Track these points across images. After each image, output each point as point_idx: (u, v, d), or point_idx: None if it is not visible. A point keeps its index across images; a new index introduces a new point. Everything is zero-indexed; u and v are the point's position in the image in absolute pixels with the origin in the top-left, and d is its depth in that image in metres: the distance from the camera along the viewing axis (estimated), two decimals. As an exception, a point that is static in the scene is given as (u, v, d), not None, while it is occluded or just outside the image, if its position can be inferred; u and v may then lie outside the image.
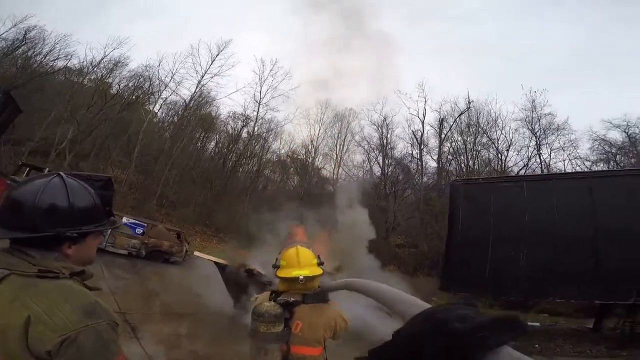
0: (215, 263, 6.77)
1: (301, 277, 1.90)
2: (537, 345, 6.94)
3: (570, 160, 20.91)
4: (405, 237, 21.27)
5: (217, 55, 26.07)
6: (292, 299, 1.90)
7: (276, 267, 2.07)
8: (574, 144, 20.86)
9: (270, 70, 27.13)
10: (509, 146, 22.11)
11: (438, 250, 16.62)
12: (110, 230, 9.62)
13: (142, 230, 10.25)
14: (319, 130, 28.52)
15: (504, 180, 10.73)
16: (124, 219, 10.13)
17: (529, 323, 8.75)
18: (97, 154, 23.37)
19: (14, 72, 21.58)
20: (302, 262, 1.99)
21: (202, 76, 25.76)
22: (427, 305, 0.75)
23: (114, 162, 23.40)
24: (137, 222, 10.43)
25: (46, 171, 13.10)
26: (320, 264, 2.07)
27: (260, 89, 27.01)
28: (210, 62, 25.93)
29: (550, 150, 21.15)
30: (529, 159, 21.58)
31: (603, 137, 20.03)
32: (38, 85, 22.36)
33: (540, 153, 21.37)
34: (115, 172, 22.83)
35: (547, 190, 8.28)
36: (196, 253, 6.01)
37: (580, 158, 20.64)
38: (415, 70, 49.52)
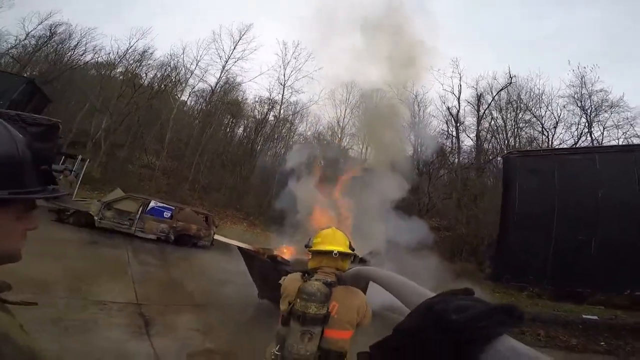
0: (238, 248, 6.36)
1: (335, 252, 1.94)
2: (602, 343, 6.05)
3: (626, 138, 18.78)
4: (440, 219, 20.26)
5: (240, 39, 25.97)
6: (329, 280, 1.87)
7: (308, 246, 2.10)
8: (630, 122, 18.78)
9: (293, 53, 26.54)
10: (557, 123, 20.24)
11: (477, 234, 15.63)
12: (139, 215, 9.66)
13: (170, 214, 10.15)
14: (345, 110, 27.71)
15: (571, 152, 9.28)
16: (152, 203, 10.05)
17: (585, 316, 7.78)
18: (132, 143, 24.16)
19: (46, 67, 22.46)
20: (337, 240, 2.04)
21: (226, 61, 25.70)
22: (430, 293, 0.75)
23: (148, 149, 24.06)
24: (165, 205, 10.32)
25: (79, 159, 13.59)
26: (352, 248, 2.10)
27: (284, 71, 26.65)
28: (233, 47, 25.82)
29: (604, 128, 19.33)
30: (579, 137, 19.68)
31: None
32: (69, 79, 23.34)
33: (592, 131, 19.46)
34: (150, 158, 23.66)
35: (625, 163, 6.99)
36: (217, 237, 5.61)
37: (639, 136, 18.49)
38: (449, 45, 46.15)
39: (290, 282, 1.96)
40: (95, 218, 9.12)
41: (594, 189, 6.96)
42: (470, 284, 9.42)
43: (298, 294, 1.79)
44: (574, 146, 18.84)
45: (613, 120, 19.17)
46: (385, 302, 3.94)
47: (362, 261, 6.16)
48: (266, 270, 5.48)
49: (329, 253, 1.96)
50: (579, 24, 35.77)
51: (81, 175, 13.11)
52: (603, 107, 19.47)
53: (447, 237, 16.81)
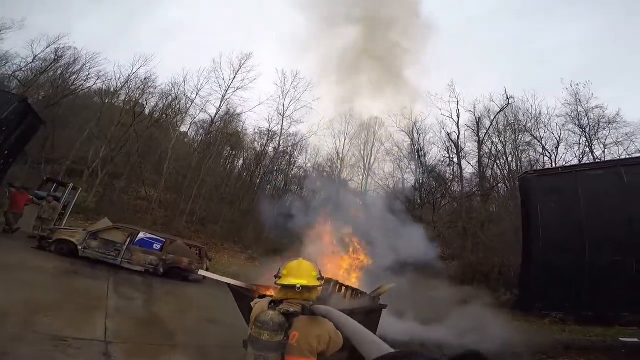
0: (228, 285, 5.64)
1: (298, 286, 1.98)
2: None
3: (628, 155, 18.41)
4: (446, 248, 19.40)
5: (239, 69, 26.41)
6: (292, 310, 1.90)
7: (278, 277, 2.12)
8: (630, 138, 18.58)
9: (292, 82, 27.06)
10: (558, 143, 19.98)
11: (486, 262, 14.78)
12: (126, 245, 9.03)
13: (160, 246, 9.52)
14: (344, 141, 27.75)
15: (594, 168, 8.70)
16: (141, 234, 9.46)
17: (624, 339, 7.02)
18: (130, 173, 23.88)
19: (50, 91, 22.62)
20: (301, 273, 2.07)
21: (226, 90, 26.01)
22: (386, 347, 0.84)
23: (146, 181, 23.73)
24: (154, 237, 9.72)
25: (70, 187, 13.14)
26: (319, 278, 2.13)
27: (283, 101, 26.95)
28: (233, 76, 26.24)
29: (604, 146, 19.06)
30: (582, 157, 19.34)
31: None
32: (72, 105, 23.46)
33: (593, 149, 19.15)
34: (147, 190, 23.25)
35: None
36: (201, 272, 4.89)
37: (641, 152, 18.13)
38: (442, 71, 47.40)
39: (257, 309, 2.02)
40: (79, 247, 8.50)
41: (624, 204, 6.39)
42: (486, 311, 8.63)
43: (254, 322, 1.86)
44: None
45: (612, 138, 18.96)
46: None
47: (373, 299, 5.57)
48: None
49: (292, 287, 1.99)
50: (569, 40, 36.81)
51: (72, 205, 12.57)
52: (601, 125, 19.31)
53: (455, 266, 15.91)
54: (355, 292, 5.20)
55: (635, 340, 6.98)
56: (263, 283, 6.57)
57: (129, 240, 9.15)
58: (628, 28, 35.37)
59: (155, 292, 7.43)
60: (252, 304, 2.15)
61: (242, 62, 26.53)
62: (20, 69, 22.21)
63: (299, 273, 2.08)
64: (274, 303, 2.00)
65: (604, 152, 18.90)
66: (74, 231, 9.01)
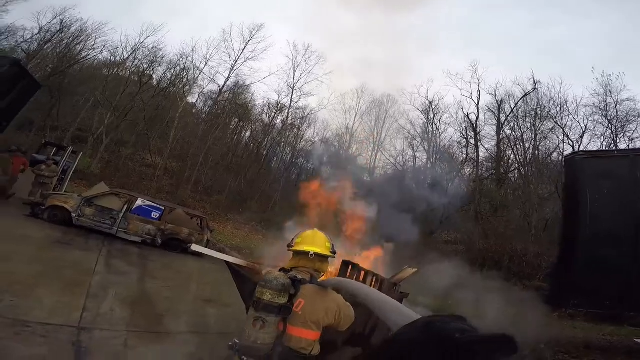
0: (226, 263, 5.14)
1: (311, 253, 1.95)
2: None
3: None
4: (454, 232, 18.92)
5: (250, 39, 25.40)
6: (300, 277, 1.85)
7: (290, 245, 2.09)
8: None
9: (304, 55, 25.98)
10: (583, 133, 18.94)
11: (498, 249, 14.26)
12: (123, 213, 8.65)
13: (158, 215, 9.11)
14: (355, 116, 26.90)
15: None
16: (139, 201, 9.01)
17: (637, 340, 6.64)
18: (136, 141, 23.62)
19: (53, 60, 22.18)
20: (316, 242, 2.04)
21: (236, 60, 25.08)
22: (414, 314, 0.90)
23: (152, 148, 23.43)
24: (153, 204, 9.27)
25: (69, 151, 12.74)
26: (333, 251, 2.09)
27: (294, 74, 26.04)
28: (243, 46, 25.23)
29: (630, 140, 18.05)
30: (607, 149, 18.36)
31: None
32: (78, 75, 23.04)
33: (617, 142, 18.14)
34: (153, 157, 23.02)
35: None
36: (194, 247, 4.38)
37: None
38: (465, 52, 45.08)
39: (264, 273, 1.99)
40: (73, 215, 8.14)
41: None
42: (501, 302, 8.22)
43: (259, 282, 1.78)
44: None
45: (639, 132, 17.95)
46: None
47: (392, 285, 5.03)
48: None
49: (305, 253, 1.97)
50: (604, 29, 34.30)
51: (72, 170, 12.21)
52: (630, 118, 18.31)
53: (463, 252, 15.44)
54: (376, 278, 4.64)
55: None
56: (268, 261, 6.14)
57: (125, 207, 8.76)
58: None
59: (150, 266, 7.06)
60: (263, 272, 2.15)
61: (253, 32, 25.67)
62: (25, 41, 21.70)
63: (313, 242, 2.04)
64: (284, 270, 1.95)
65: (628, 146, 17.83)
66: (68, 197, 8.61)
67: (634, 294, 5.70)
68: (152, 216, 9.03)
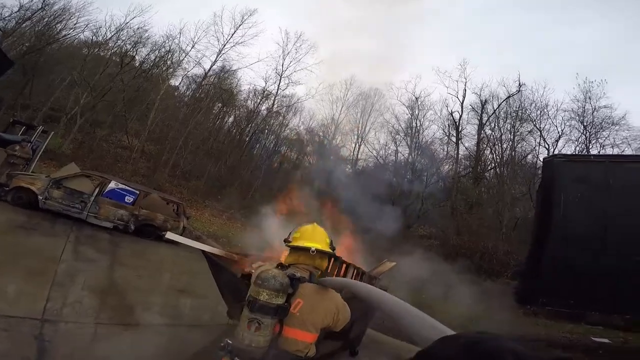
0: (202, 252, 4.99)
1: (313, 249, 1.86)
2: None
3: None
4: (430, 227, 19.41)
5: (241, 24, 24.75)
6: (299, 275, 1.75)
7: (288, 241, 2.01)
8: (629, 142, 18.39)
9: (295, 43, 25.57)
10: (559, 137, 19.74)
11: (470, 245, 14.74)
12: (94, 197, 8.32)
13: (132, 199, 8.81)
14: (341, 107, 26.91)
15: (630, 160, 8.18)
16: (112, 184, 8.67)
17: (595, 339, 7.11)
18: (113, 122, 22.70)
19: (32, 38, 20.88)
20: (316, 238, 1.95)
21: (224, 45, 24.37)
22: (446, 328, 0.71)
23: (130, 130, 22.61)
24: (127, 188, 8.93)
25: (39, 130, 12.09)
26: (332, 248, 2.01)
27: (283, 61, 25.64)
28: (233, 31, 24.51)
29: (601, 146, 18.88)
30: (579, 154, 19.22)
31: None
32: (54, 53, 21.80)
33: (589, 148, 19.02)
34: (130, 139, 22.25)
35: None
36: (169, 235, 4.24)
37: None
38: (454, 50, 45.45)
39: (259, 269, 1.82)
40: (39, 197, 7.77)
41: None
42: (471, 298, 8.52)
43: (254, 280, 1.68)
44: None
45: (611, 140, 18.84)
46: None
47: (372, 279, 5.05)
48: (237, 283, 4.13)
49: (306, 250, 1.88)
50: (591, 36, 35.34)
51: (41, 150, 11.61)
52: (604, 125, 19.14)
53: (437, 247, 15.87)
54: (357, 271, 4.64)
55: (606, 340, 6.97)
56: (249, 251, 6.01)
57: (97, 190, 8.43)
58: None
59: (121, 253, 6.87)
60: (253, 265, 1.99)
61: (245, 17, 24.96)
62: (3, 19, 20.18)
63: (313, 237, 1.94)
64: (281, 266, 1.84)
65: (599, 152, 18.61)
66: (35, 178, 8.21)
67: (597, 294, 6.05)
68: (126, 200, 8.75)
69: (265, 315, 1.57)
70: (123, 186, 8.89)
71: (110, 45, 23.38)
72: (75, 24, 22.26)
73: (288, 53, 25.82)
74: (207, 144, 24.36)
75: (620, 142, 18.47)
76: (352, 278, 4.39)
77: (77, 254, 5.85)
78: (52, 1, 21.16)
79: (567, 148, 19.55)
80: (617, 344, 6.96)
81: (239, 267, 4.42)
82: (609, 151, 18.39)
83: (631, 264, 5.83)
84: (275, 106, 26.13)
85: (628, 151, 18.14)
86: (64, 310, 3.67)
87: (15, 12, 20.38)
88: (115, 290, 4.84)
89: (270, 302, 1.58)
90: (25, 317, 3.28)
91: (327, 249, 1.95)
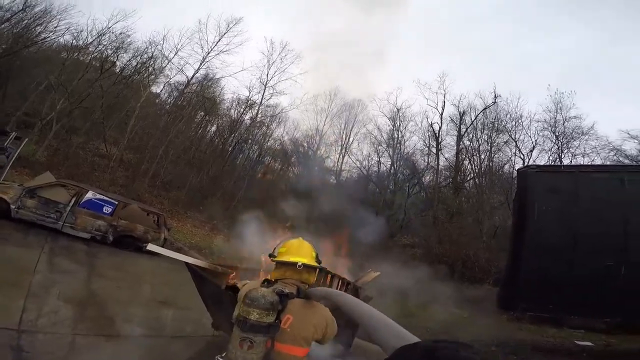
0: (186, 263, 4.84)
1: (299, 264, 1.87)
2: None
3: None
4: (413, 237, 19.67)
5: (226, 32, 24.74)
6: (287, 290, 1.74)
7: (273, 255, 2.02)
8: (597, 151, 19.21)
9: (280, 53, 25.75)
10: (533, 147, 20.58)
11: (451, 254, 15.00)
12: (70, 207, 8.02)
13: (111, 210, 8.54)
14: (325, 118, 27.19)
15: (597, 170, 8.60)
16: (89, 194, 8.39)
17: (579, 342, 7.25)
18: (90, 129, 22.02)
19: (9, 41, 20.16)
20: (302, 252, 1.96)
21: (208, 53, 24.27)
22: (412, 337, 0.73)
23: (108, 138, 21.98)
24: (105, 198, 8.66)
25: (12, 136, 11.63)
26: (318, 261, 2.02)
27: (268, 71, 25.74)
28: (217, 39, 24.48)
29: (572, 155, 19.75)
30: (552, 163, 20.06)
31: (618, 147, 18.35)
32: (31, 56, 21.11)
33: (562, 158, 19.89)
34: (108, 147, 21.61)
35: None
36: (151, 246, 4.09)
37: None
38: (433, 62, 47.08)
39: (246, 287, 1.87)
40: (12, 206, 7.42)
41: (623, 212, 6.29)
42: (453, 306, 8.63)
43: (243, 299, 1.66)
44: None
45: (581, 149, 19.65)
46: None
47: (357, 289, 5.03)
48: (221, 294, 4.03)
49: (292, 264, 1.88)
50: (561, 48, 37.42)
51: (14, 156, 11.14)
52: (574, 135, 20.03)
53: (421, 255, 16.07)
54: (343, 281, 4.62)
55: (589, 343, 7.17)
56: (232, 263, 5.87)
57: (74, 200, 8.13)
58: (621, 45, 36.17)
59: (99, 264, 6.61)
60: (239, 284, 2.01)
61: (230, 26, 24.90)
62: None
63: (299, 251, 1.95)
64: (268, 282, 1.86)
65: (571, 161, 19.52)
66: (8, 186, 7.85)
67: (573, 299, 6.28)
68: (104, 211, 8.48)
69: (257, 334, 1.57)
70: (101, 196, 8.62)
71: (90, 50, 22.88)
72: (55, 27, 21.74)
73: (273, 63, 25.97)
74: (189, 154, 23.97)
75: (590, 151, 19.31)
76: (337, 288, 4.38)
77: (53, 265, 5.59)
78: (33, 3, 20.65)
79: (541, 158, 20.41)
80: (599, 347, 7.15)
81: (222, 279, 4.34)
82: (580, 160, 19.27)
83: (602, 269, 6.11)
84: (259, 116, 26.10)
85: (597, 160, 19.08)
86: (41, 321, 3.50)
87: (-7, 14, 19.84)
88: (93, 301, 4.64)
89: (262, 320, 1.58)
90: (1, 327, 3.10)
91: (314, 263, 1.95)
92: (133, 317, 4.49)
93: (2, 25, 20.08)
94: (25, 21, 20.79)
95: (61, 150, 19.61)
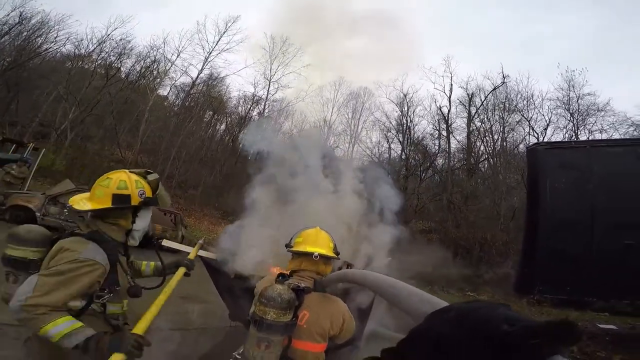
0: (201, 257, 4.96)
1: (316, 254, 1.80)
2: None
3: None
4: (428, 222, 19.56)
5: (225, 31, 24.71)
6: (302, 285, 1.71)
7: (289, 245, 1.96)
8: (616, 127, 18.68)
9: (281, 48, 25.55)
10: (547, 126, 20.05)
11: (469, 237, 14.87)
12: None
13: (130, 212, 8.78)
14: (332, 109, 27.02)
15: (610, 144, 8.31)
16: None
17: (601, 326, 7.07)
18: (104, 136, 22.58)
19: (13, 53, 20.69)
20: (319, 242, 1.89)
21: (209, 52, 24.33)
22: (441, 301, 0.70)
23: (121, 143, 22.49)
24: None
25: (30, 147, 12.02)
26: (336, 252, 1.94)
27: (271, 66, 25.66)
28: (217, 38, 24.50)
29: (589, 132, 19.23)
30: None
31: (638, 122, 17.82)
32: (37, 67, 21.64)
33: (578, 135, 19.36)
34: (122, 152, 22.13)
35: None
36: (165, 242, 4.21)
37: (623, 142, 18.56)
38: (438, 46, 46.06)
39: (262, 284, 1.86)
40: (37, 214, 7.73)
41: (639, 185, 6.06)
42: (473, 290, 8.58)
43: (259, 297, 1.59)
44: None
45: (598, 125, 19.17)
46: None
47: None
48: (233, 285, 4.16)
49: (309, 255, 1.82)
50: (570, 26, 36.06)
51: (33, 168, 11.53)
52: (590, 112, 19.55)
53: (437, 240, 15.99)
54: (350, 268, 4.62)
55: (613, 327, 7.01)
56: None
57: (94, 205, 8.39)
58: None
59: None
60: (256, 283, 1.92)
61: (229, 24, 24.80)
62: None
63: (316, 241, 1.88)
64: (282, 277, 1.79)
65: (588, 138, 19.00)
66: (32, 195, 8.18)
67: (592, 280, 6.11)
68: (123, 213, 8.71)
69: (275, 334, 1.53)
70: (119, 198, 8.85)
71: (93, 57, 23.29)
72: (55, 37, 22.12)
73: (275, 57, 25.81)
74: (201, 153, 24.32)
75: (608, 127, 18.83)
76: None
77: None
78: (29, 15, 21.07)
79: (556, 136, 19.92)
80: (623, 330, 6.98)
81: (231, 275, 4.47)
82: (597, 136, 18.72)
83: (621, 248, 5.90)
84: (266, 111, 26.16)
85: (616, 136, 18.50)
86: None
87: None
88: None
89: (279, 320, 1.52)
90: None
91: (331, 254, 1.88)
92: (161, 311, 4.62)
93: (2, 39, 20.61)
94: (25, 33, 21.34)
95: (78, 158, 20.17)
